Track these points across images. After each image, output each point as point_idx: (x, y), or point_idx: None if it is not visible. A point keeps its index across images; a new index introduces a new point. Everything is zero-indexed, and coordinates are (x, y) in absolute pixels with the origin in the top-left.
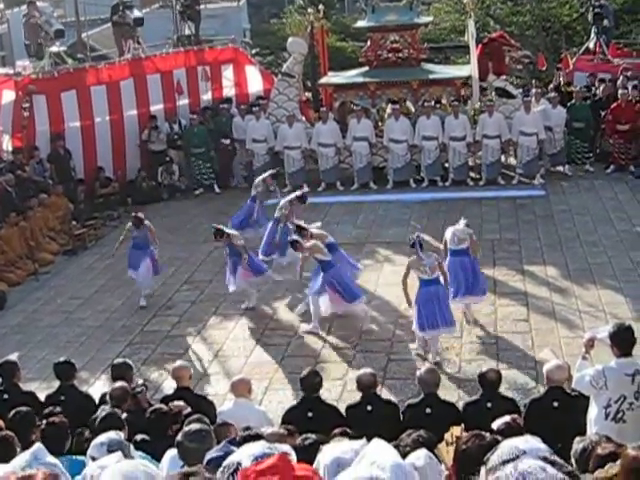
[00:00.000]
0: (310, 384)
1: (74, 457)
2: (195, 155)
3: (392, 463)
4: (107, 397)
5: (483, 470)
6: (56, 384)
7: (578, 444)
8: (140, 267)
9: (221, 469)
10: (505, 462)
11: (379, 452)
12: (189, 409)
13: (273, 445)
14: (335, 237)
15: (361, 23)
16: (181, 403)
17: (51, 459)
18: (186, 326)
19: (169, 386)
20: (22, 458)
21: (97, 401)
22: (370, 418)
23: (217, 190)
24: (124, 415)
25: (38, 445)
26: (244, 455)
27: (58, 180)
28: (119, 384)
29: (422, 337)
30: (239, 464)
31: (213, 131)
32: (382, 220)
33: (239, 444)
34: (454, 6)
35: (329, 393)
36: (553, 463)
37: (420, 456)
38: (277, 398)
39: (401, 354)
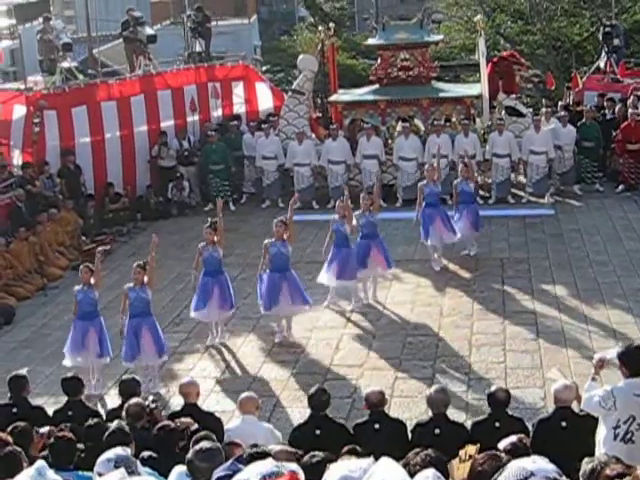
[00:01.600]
0: (318, 402)
1: (81, 472)
2: (213, 172)
3: None
4: (123, 413)
5: None
6: (64, 399)
7: (587, 465)
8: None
9: None
10: None
11: (387, 471)
12: (196, 425)
13: (281, 464)
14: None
15: (372, 41)
16: (188, 419)
17: (54, 476)
18: (194, 342)
19: (177, 403)
20: (26, 474)
21: (105, 417)
22: (378, 436)
23: (232, 208)
24: (138, 431)
25: (41, 462)
26: (252, 473)
27: (68, 195)
28: (135, 401)
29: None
30: None
31: (231, 146)
32: (391, 238)
33: (247, 462)
34: (464, 24)
35: (337, 412)
36: None
37: (428, 475)
38: (285, 416)
39: (409, 372)
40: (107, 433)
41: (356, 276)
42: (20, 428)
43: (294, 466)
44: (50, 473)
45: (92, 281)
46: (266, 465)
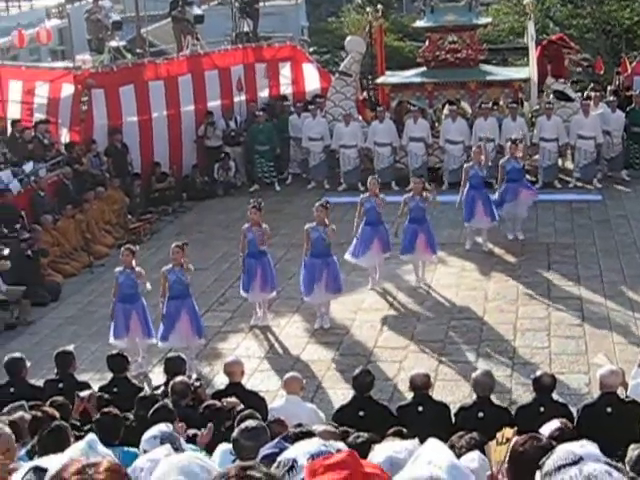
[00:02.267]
0: (362, 383)
1: (126, 449)
2: (259, 152)
3: (449, 463)
4: (169, 390)
5: (538, 474)
6: (109, 376)
7: (633, 451)
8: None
9: (276, 465)
10: (561, 467)
11: (435, 452)
12: (242, 406)
13: (328, 442)
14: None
15: (420, 23)
16: (234, 400)
17: (104, 449)
18: (238, 322)
19: (220, 381)
20: (76, 447)
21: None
22: (421, 419)
23: (277, 188)
24: (183, 409)
25: (92, 435)
26: (299, 452)
27: (115, 174)
28: (180, 379)
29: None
30: (295, 461)
31: (278, 127)
32: (437, 221)
33: (292, 441)
34: (513, 7)
35: (380, 393)
36: (617, 468)
37: (474, 458)
38: (328, 397)
39: (453, 356)
40: (151, 411)
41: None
42: (59, 402)
43: (341, 445)
44: (101, 447)
45: (133, 263)
46: (314, 444)
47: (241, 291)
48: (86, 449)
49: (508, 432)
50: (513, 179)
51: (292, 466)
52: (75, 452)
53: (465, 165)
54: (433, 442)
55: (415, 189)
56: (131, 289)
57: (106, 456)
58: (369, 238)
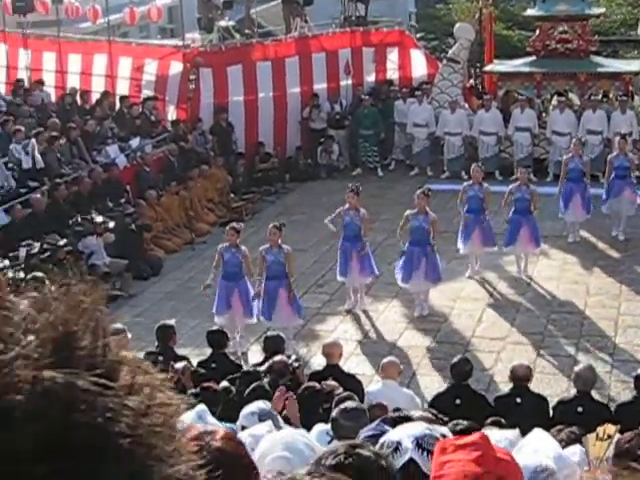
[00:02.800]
0: (460, 371)
1: (224, 424)
2: (363, 137)
3: (555, 454)
4: (267, 368)
5: None
6: (207, 352)
7: None
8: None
9: (379, 446)
10: None
11: (542, 442)
12: (341, 389)
13: (433, 426)
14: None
15: (531, 12)
16: (334, 383)
17: (213, 420)
18: (336, 305)
19: (317, 362)
20: (186, 417)
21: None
22: (519, 410)
23: (380, 173)
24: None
25: (202, 406)
26: (403, 435)
27: (219, 152)
28: (279, 358)
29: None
30: (399, 443)
31: (383, 112)
32: (540, 213)
33: (391, 425)
34: None
35: (477, 383)
36: None
37: (576, 452)
38: (423, 383)
39: (552, 349)
40: (248, 390)
41: (495, 243)
42: None
43: (445, 430)
44: (210, 417)
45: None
46: (418, 427)
47: (338, 276)
48: (195, 419)
49: (610, 428)
50: (620, 176)
51: (396, 448)
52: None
53: (564, 157)
54: (539, 432)
55: (521, 179)
56: (235, 267)
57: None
58: (470, 227)
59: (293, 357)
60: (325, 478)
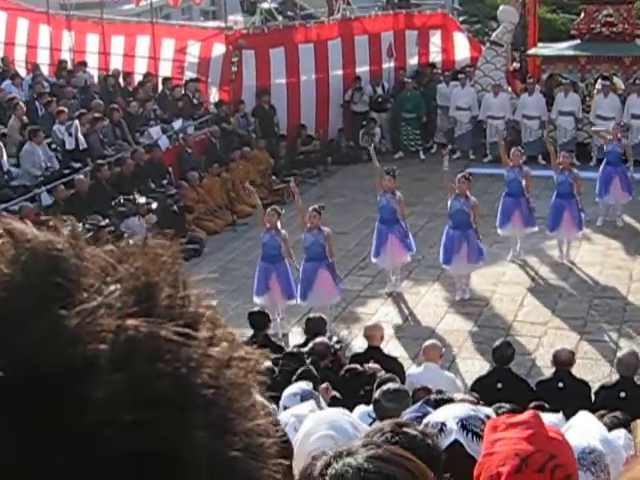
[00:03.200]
0: (502, 355)
1: None
2: (405, 120)
3: (601, 437)
4: (309, 350)
5: None
6: (249, 333)
7: None
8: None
9: (423, 426)
10: None
11: (588, 424)
12: (383, 372)
13: (477, 407)
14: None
15: None
16: (376, 365)
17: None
18: (377, 287)
19: (358, 345)
20: None
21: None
22: (561, 395)
23: (422, 157)
24: (322, 370)
25: None
26: (448, 416)
27: (261, 135)
28: (320, 339)
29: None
30: (444, 424)
31: (425, 95)
32: (583, 197)
33: (434, 406)
34: None
35: (518, 367)
36: None
37: (620, 436)
38: (465, 367)
39: (594, 334)
40: (296, 375)
41: (535, 223)
42: None
43: (489, 410)
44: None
45: (278, 225)
46: (462, 408)
47: (372, 257)
48: None
49: None
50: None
51: (441, 429)
52: None
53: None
54: (585, 415)
55: (564, 164)
56: (274, 250)
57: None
58: (510, 209)
59: (335, 339)
60: (382, 450)
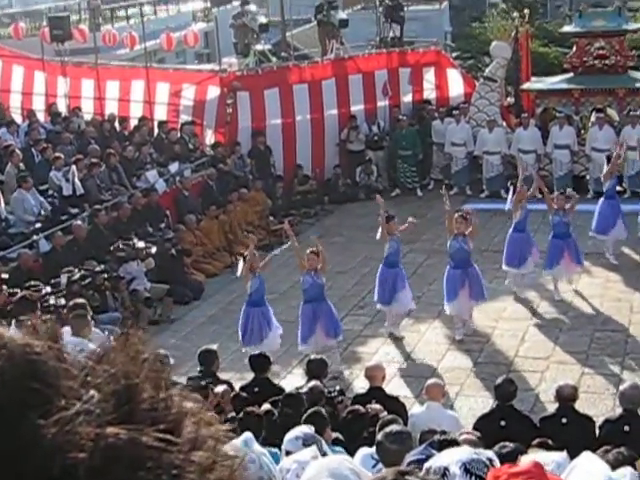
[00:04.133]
0: (504, 392)
1: (268, 449)
2: (402, 157)
3: (606, 477)
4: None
5: None
6: (249, 376)
7: None
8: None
9: (424, 472)
10: None
11: (592, 464)
12: (385, 412)
13: (479, 450)
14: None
15: (567, 28)
16: (378, 406)
17: (260, 448)
18: (378, 327)
19: (360, 385)
20: (232, 445)
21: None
22: (565, 431)
23: (419, 193)
24: None
25: (248, 434)
26: (451, 460)
27: (258, 176)
28: (313, 384)
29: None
30: (447, 469)
31: (421, 133)
32: (581, 231)
33: (438, 448)
34: None
35: (521, 404)
36: None
37: (626, 474)
38: (468, 404)
39: (596, 368)
40: (305, 416)
41: (525, 263)
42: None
43: (491, 453)
44: (256, 446)
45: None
46: (465, 452)
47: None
48: (242, 447)
49: None
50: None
51: (444, 474)
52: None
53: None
54: (588, 454)
55: (558, 204)
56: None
57: (255, 455)
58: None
59: (337, 388)
60: None
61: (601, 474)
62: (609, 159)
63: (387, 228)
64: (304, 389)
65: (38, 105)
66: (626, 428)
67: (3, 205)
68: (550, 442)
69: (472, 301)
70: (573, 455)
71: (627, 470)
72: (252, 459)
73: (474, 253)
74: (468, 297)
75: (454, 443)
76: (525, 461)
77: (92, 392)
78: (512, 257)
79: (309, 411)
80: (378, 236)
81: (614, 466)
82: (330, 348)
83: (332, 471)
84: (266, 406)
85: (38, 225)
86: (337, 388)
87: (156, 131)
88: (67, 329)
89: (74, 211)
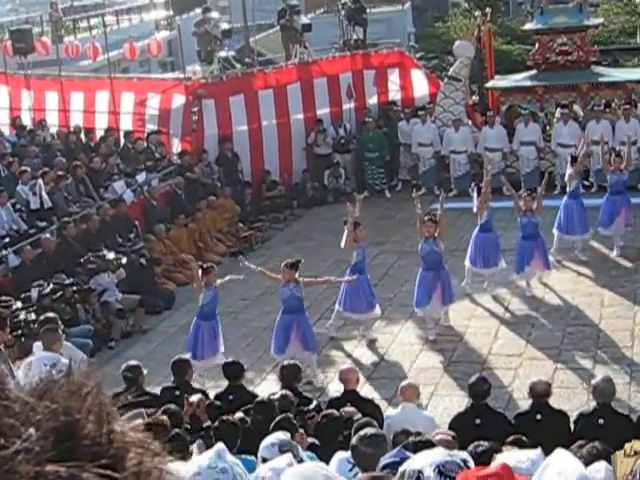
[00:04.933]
0: (478, 391)
1: (245, 457)
2: (369, 159)
3: (578, 475)
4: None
5: None
6: (224, 384)
7: None
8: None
9: (399, 475)
10: None
11: (565, 462)
12: (360, 415)
13: (453, 452)
14: (503, 244)
15: (529, 25)
16: (352, 409)
17: (233, 458)
18: (351, 329)
19: (334, 389)
20: (206, 456)
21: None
22: (539, 427)
23: (388, 195)
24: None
25: (221, 444)
26: (425, 463)
27: (226, 183)
28: (283, 394)
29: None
30: (420, 472)
31: (388, 134)
32: (548, 227)
33: (413, 450)
34: (624, 7)
35: (495, 401)
36: None
37: (600, 468)
38: (443, 404)
39: (569, 363)
40: (274, 422)
41: (496, 264)
42: (172, 410)
43: (465, 455)
44: (229, 456)
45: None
46: (438, 454)
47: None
48: (215, 458)
49: (638, 445)
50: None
51: (418, 477)
52: (205, 461)
53: (569, 171)
54: (561, 452)
55: (526, 206)
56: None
57: (227, 465)
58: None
59: (314, 403)
60: None
61: (575, 472)
62: (574, 158)
63: (354, 236)
64: (276, 396)
65: (2, 119)
66: (600, 421)
67: None
68: (525, 439)
69: (444, 306)
70: (548, 451)
71: (602, 465)
72: (224, 469)
73: (444, 253)
74: (440, 301)
75: (429, 444)
76: (495, 463)
77: (31, 430)
78: (476, 256)
79: (277, 418)
80: (342, 244)
81: (589, 461)
82: (306, 360)
83: (307, 478)
84: (239, 414)
85: (7, 240)
86: (314, 404)
87: (122, 141)
88: (38, 344)
89: (42, 224)
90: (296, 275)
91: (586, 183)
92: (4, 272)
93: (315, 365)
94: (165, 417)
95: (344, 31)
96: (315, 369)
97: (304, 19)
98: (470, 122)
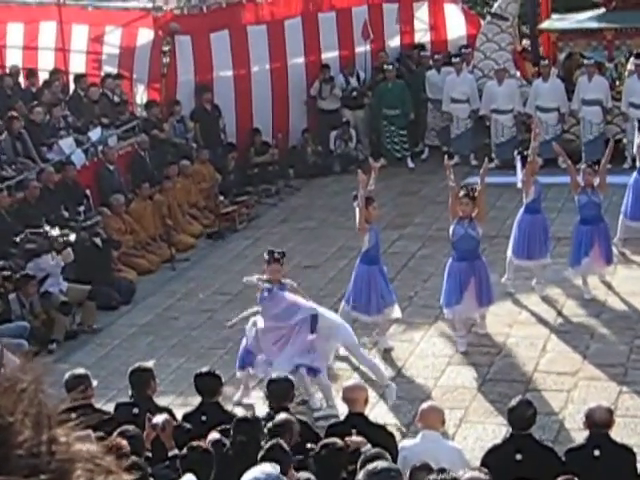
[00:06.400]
0: (520, 418)
1: None
2: (388, 118)
3: None
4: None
5: None
6: (195, 400)
7: None
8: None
9: None
10: None
11: None
12: (369, 446)
13: None
14: (556, 230)
15: None
16: (360, 439)
17: None
18: (360, 334)
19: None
20: None
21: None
22: (598, 466)
23: (411, 165)
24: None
25: (190, 476)
26: None
27: (203, 144)
28: (285, 418)
29: None
30: None
31: (412, 86)
32: (617, 208)
33: None
34: None
35: (542, 431)
36: None
37: None
38: (474, 433)
39: (637, 385)
40: (263, 450)
41: (544, 255)
42: (131, 433)
43: None
44: None
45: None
46: None
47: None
48: None
49: None
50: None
51: None
52: None
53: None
54: None
55: (587, 181)
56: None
57: None
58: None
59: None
60: None
61: None
62: None
63: (366, 214)
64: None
65: None
66: None
67: None
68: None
69: (481, 308)
70: None
71: None
72: None
73: (482, 241)
74: (475, 300)
75: None
76: None
77: None
78: (519, 245)
79: (267, 444)
80: (357, 226)
81: None
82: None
83: None
84: (214, 435)
85: None
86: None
87: (72, 87)
88: None
89: None
90: (281, 271)
91: None
92: None
93: (309, 381)
94: (124, 441)
95: None
96: (309, 386)
97: None
98: (518, 73)
